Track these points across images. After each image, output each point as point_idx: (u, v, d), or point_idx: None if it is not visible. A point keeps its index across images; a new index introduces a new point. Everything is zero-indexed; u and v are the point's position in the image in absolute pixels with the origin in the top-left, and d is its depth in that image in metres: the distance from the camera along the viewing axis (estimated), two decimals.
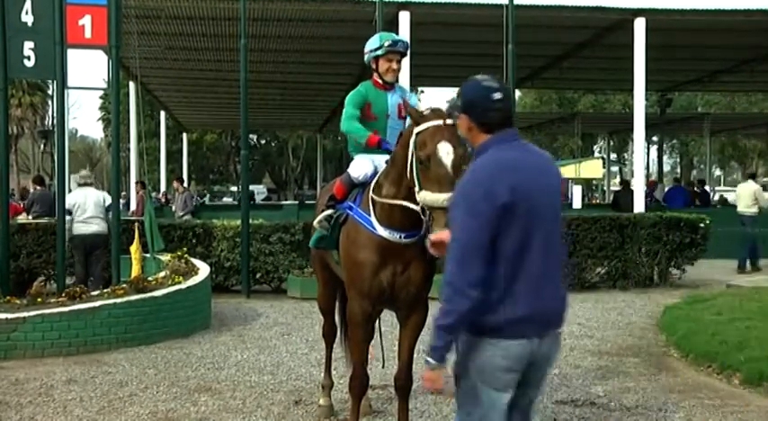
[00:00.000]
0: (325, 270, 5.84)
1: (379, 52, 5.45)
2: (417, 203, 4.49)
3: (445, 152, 4.23)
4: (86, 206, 11.06)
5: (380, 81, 5.58)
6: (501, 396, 3.31)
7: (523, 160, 3.37)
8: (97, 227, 11.10)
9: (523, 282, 3.26)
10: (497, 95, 3.34)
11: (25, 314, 8.37)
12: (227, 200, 46.93)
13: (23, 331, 8.23)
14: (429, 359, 3.28)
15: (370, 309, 5.06)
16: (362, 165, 5.44)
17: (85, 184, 11.67)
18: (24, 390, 6.95)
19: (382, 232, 4.83)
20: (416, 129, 4.42)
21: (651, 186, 25.79)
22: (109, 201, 11.05)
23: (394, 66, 5.50)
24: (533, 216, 3.26)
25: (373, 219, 4.89)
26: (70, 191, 11.92)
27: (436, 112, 4.44)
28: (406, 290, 4.91)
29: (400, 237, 4.80)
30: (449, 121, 4.28)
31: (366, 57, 5.61)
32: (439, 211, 4.16)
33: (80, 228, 11.00)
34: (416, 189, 4.38)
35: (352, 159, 5.64)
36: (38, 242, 12.19)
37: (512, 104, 3.71)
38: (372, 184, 5.05)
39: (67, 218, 10.52)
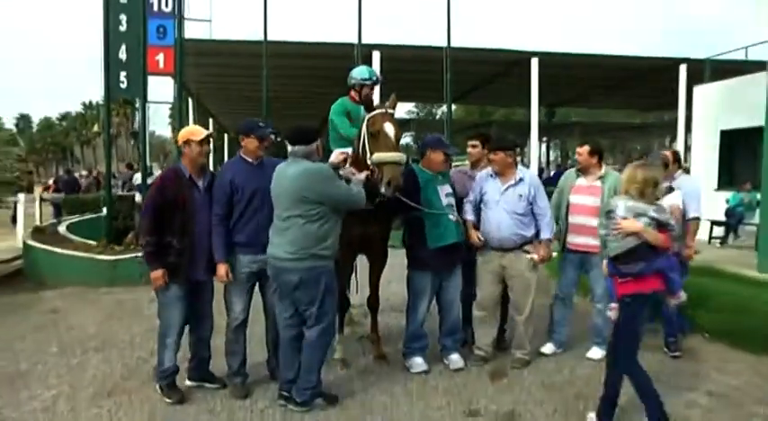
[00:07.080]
0: None
1: (368, 83, 5.08)
2: (368, 168, 4.29)
3: (390, 128, 4.27)
4: None
5: (357, 99, 5.11)
6: None
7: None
8: None
9: None
10: None
11: (122, 256, 8.42)
12: None
13: (122, 268, 8.26)
14: None
15: (350, 254, 4.86)
16: (339, 155, 5.13)
17: None
18: (124, 308, 6.99)
19: None
20: (368, 115, 4.35)
21: (541, 172, 25.77)
22: None
23: (372, 93, 5.12)
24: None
25: None
26: (151, 173, 11.90)
27: (382, 105, 4.41)
28: (374, 241, 4.79)
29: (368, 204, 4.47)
30: (389, 111, 4.34)
31: (354, 81, 5.10)
32: (387, 166, 4.14)
33: None
34: (369, 155, 4.26)
35: (331, 152, 5.21)
36: (130, 209, 12.05)
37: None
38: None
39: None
